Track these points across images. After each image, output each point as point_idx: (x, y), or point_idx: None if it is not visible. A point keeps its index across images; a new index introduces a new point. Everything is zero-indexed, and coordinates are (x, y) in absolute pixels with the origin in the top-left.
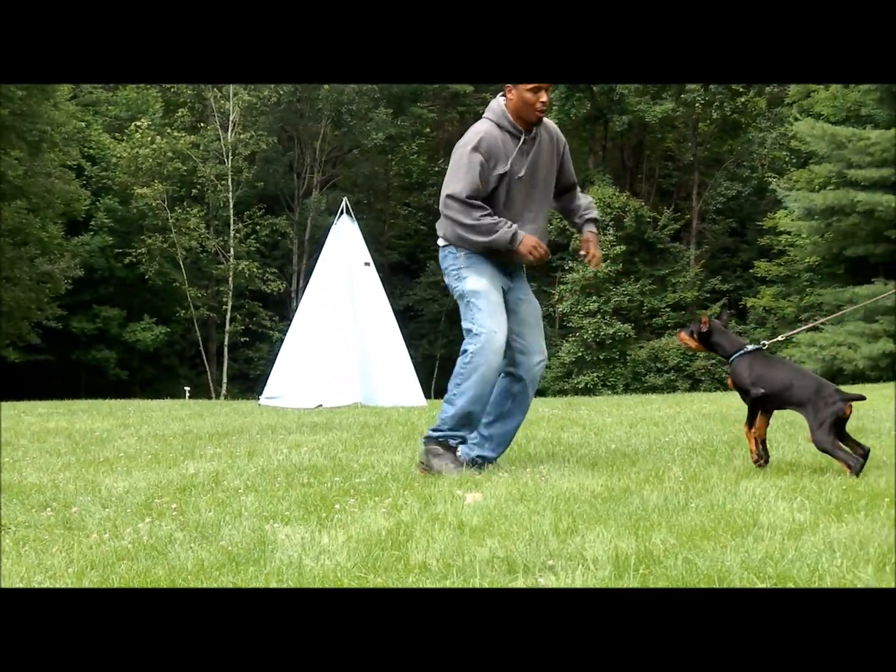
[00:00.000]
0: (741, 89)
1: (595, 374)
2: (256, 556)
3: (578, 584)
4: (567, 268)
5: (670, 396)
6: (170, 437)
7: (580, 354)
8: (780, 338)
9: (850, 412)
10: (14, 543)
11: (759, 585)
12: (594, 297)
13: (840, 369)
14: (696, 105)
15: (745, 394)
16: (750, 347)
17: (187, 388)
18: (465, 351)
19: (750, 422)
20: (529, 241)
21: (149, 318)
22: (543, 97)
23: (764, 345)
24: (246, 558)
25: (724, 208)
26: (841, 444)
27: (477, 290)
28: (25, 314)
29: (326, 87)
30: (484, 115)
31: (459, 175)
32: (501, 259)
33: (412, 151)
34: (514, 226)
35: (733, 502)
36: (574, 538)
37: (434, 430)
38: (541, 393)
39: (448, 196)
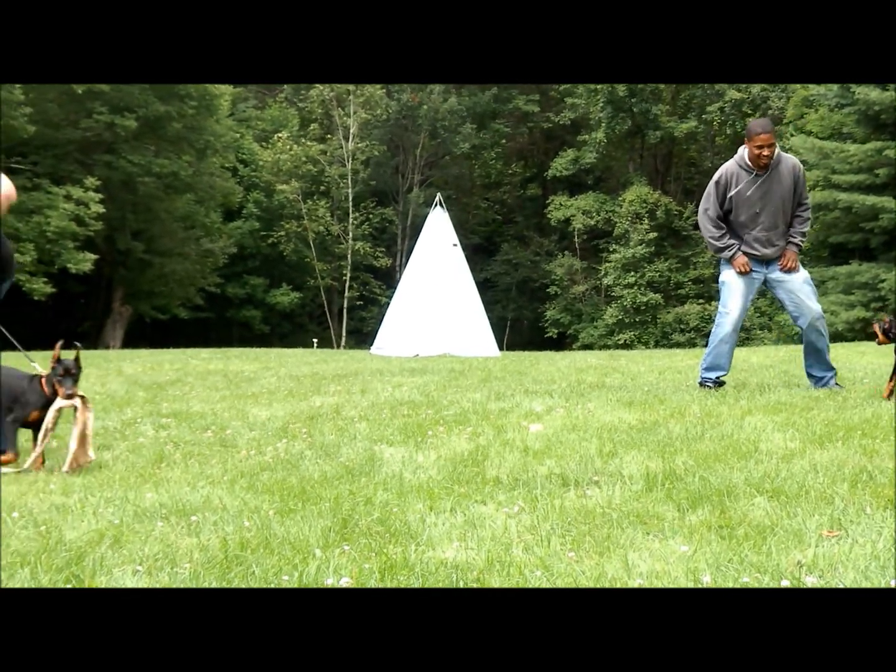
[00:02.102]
0: (748, 111)
1: (632, 333)
2: (367, 469)
3: (617, 496)
4: (612, 250)
5: (691, 351)
6: (301, 377)
7: (620, 317)
8: None
9: None
10: (182, 457)
11: (758, 498)
12: (632, 273)
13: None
14: (714, 123)
15: None
16: None
17: (315, 340)
18: (716, 321)
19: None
20: (740, 261)
21: (286, 286)
22: (766, 151)
23: None
24: (359, 471)
25: None
26: None
27: (724, 280)
28: (192, 282)
29: (426, 106)
30: (734, 158)
31: (706, 200)
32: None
33: (491, 158)
34: (735, 247)
35: (739, 433)
36: (614, 460)
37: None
38: (588, 347)
39: (701, 211)
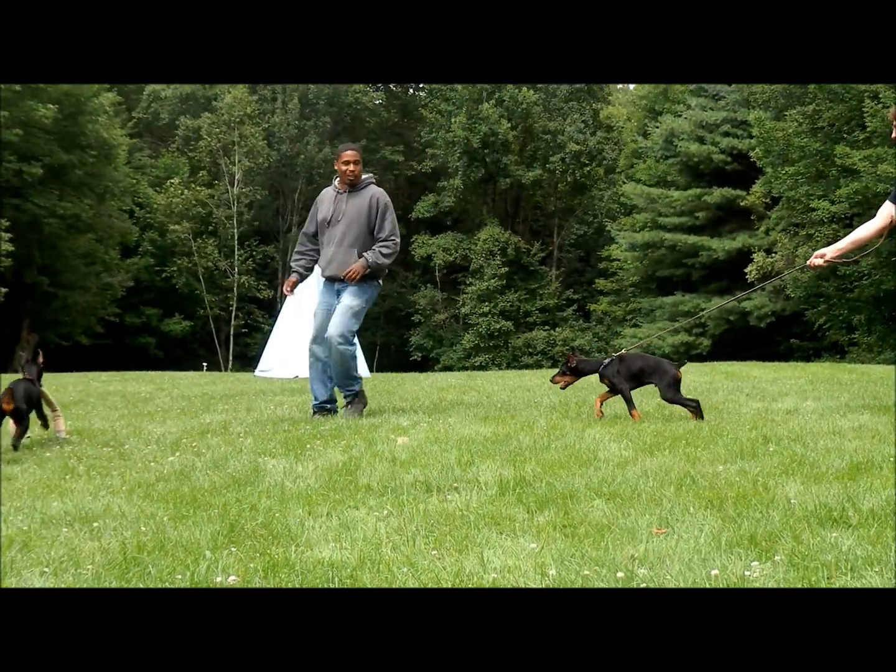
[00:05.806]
0: (586, 161)
1: (486, 356)
2: (252, 479)
3: (474, 500)
4: (468, 282)
5: (538, 371)
6: (192, 397)
7: (476, 342)
8: (636, 345)
9: (681, 375)
10: (85, 469)
11: (597, 500)
12: (486, 303)
13: (652, 352)
14: (556, 172)
15: (612, 386)
16: (607, 360)
17: (205, 364)
18: None
19: (604, 396)
20: (289, 280)
21: (178, 315)
22: (351, 167)
23: (620, 352)
24: (245, 481)
25: (575, 242)
26: (682, 396)
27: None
28: (93, 312)
29: (303, 155)
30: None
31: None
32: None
33: None
34: (294, 267)
35: (580, 444)
36: (472, 468)
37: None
38: (448, 369)
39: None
